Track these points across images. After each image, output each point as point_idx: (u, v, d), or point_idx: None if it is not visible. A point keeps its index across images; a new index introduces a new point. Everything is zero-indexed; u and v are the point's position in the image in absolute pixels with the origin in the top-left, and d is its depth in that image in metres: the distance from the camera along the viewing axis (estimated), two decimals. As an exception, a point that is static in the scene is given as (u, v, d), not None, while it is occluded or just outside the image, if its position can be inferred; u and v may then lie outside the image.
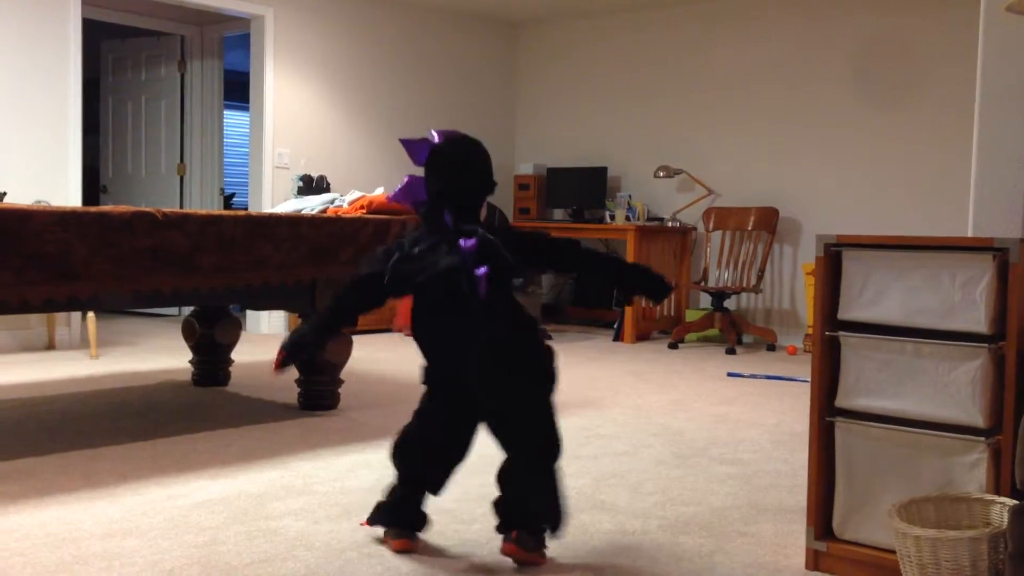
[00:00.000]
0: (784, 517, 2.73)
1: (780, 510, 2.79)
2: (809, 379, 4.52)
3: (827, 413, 2.31)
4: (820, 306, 2.30)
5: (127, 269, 3.14)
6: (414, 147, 2.33)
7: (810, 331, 6.56)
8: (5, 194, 5.31)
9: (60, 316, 5.84)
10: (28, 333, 5.78)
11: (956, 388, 2.12)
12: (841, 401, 2.29)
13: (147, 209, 3.22)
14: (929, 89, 6.24)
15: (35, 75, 5.73)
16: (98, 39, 7.77)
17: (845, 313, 2.28)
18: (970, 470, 2.12)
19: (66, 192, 5.86)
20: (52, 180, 5.81)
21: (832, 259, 2.31)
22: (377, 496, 2.57)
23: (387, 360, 5.62)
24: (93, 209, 3.10)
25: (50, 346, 5.82)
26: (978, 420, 2.10)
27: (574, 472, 3.16)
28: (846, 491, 2.29)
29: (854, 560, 2.26)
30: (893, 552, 2.09)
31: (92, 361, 5.37)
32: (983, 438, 2.10)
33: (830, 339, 2.29)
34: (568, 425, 3.91)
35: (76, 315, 5.94)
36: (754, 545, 2.49)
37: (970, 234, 2.76)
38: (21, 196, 5.51)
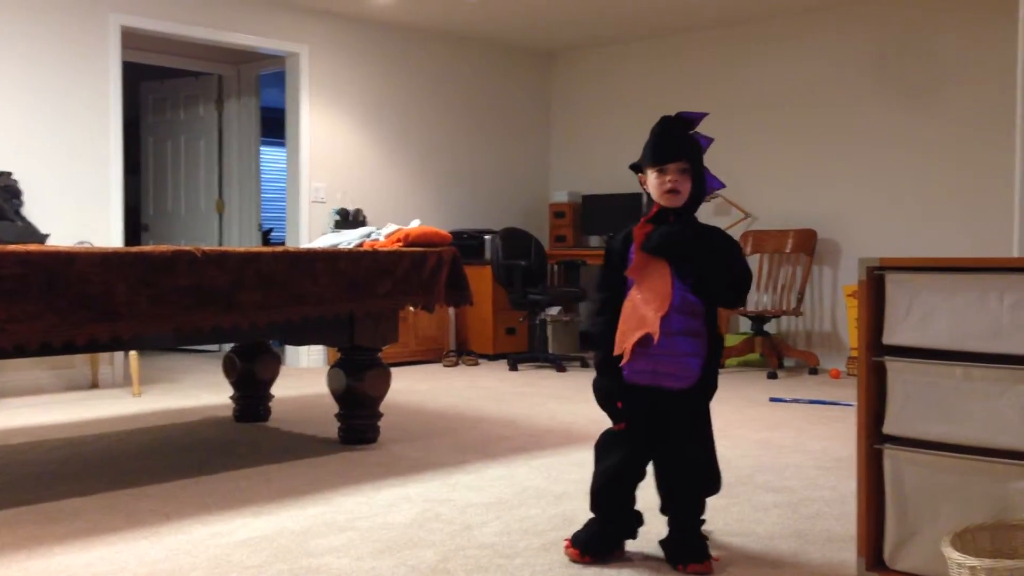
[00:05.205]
0: (833, 546, 2.67)
1: (829, 539, 2.74)
2: (854, 403, 4.45)
3: (875, 440, 2.26)
4: (865, 331, 2.26)
5: (168, 308, 3.17)
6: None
7: (853, 354, 6.46)
8: (48, 236, 5.40)
9: (103, 355, 5.91)
10: (72, 372, 5.85)
11: (1007, 412, 2.07)
12: (889, 428, 2.24)
13: (187, 248, 3.25)
14: (967, 107, 6.16)
15: (77, 118, 5.84)
16: (138, 80, 7.91)
17: (890, 337, 2.24)
18: (1026, 496, 2.06)
19: (108, 232, 5.95)
20: (94, 220, 5.90)
21: (875, 283, 2.27)
22: (417, 530, 2.53)
23: (426, 392, 5.62)
24: (135, 249, 3.13)
25: (94, 385, 5.89)
26: (1032, 445, 2.04)
27: (617, 503, 3.11)
28: (896, 520, 2.24)
29: (907, 591, 2.20)
30: (948, 582, 2.03)
31: (135, 399, 5.42)
32: (1038, 463, 2.04)
33: (876, 365, 2.25)
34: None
35: (119, 353, 6.01)
36: (803, 576, 2.44)
37: (1015, 254, 2.71)
38: (64, 237, 5.60)
